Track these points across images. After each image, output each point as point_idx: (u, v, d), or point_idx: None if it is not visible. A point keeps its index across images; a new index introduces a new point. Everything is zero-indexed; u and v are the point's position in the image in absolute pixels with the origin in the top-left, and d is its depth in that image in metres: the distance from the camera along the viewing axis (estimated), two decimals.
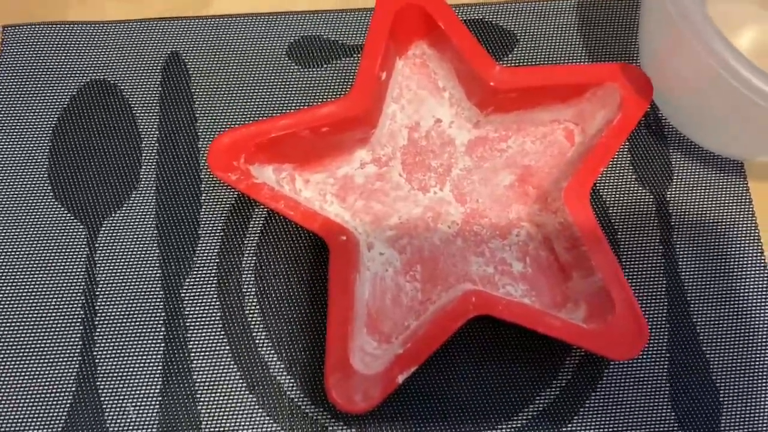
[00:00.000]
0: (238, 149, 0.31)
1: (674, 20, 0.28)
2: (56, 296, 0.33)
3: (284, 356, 0.32)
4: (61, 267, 0.33)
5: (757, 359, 0.33)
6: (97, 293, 0.33)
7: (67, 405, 0.31)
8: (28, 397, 0.31)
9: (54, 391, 0.31)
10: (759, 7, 0.37)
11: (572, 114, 0.35)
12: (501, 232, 0.34)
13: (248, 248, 0.34)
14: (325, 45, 0.37)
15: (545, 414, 0.32)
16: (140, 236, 0.34)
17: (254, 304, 0.33)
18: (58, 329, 0.32)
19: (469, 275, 0.33)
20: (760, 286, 0.34)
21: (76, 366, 0.32)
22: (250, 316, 0.33)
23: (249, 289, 0.33)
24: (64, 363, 0.32)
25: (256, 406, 0.32)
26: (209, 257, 0.34)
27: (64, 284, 0.33)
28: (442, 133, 0.36)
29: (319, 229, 0.31)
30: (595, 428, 0.32)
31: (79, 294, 0.33)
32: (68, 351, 0.32)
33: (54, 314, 0.33)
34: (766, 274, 0.34)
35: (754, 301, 0.34)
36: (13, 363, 0.32)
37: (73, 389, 0.32)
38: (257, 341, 0.32)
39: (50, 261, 0.33)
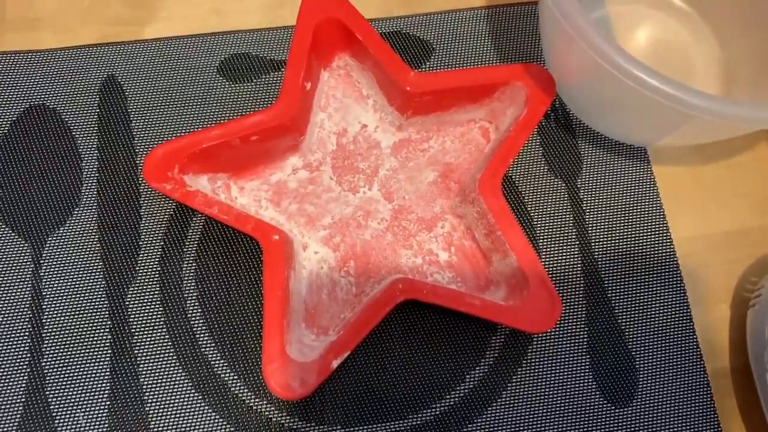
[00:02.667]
0: (171, 160, 0.33)
1: (562, 25, 0.31)
2: (3, 312, 0.34)
3: (227, 355, 0.34)
4: (7, 283, 0.34)
5: (666, 328, 0.35)
6: (44, 307, 0.34)
7: (18, 416, 0.32)
8: None
9: (4, 403, 0.33)
10: (650, 8, 0.41)
11: (485, 113, 0.38)
12: (427, 226, 0.36)
13: (188, 255, 0.35)
14: (254, 61, 0.39)
15: (476, 391, 0.34)
16: (84, 250, 0.35)
17: (196, 307, 0.35)
18: (5, 343, 0.33)
19: (399, 267, 0.36)
20: (667, 260, 0.37)
21: (25, 378, 0.33)
22: (193, 319, 0.34)
23: (190, 294, 0.35)
24: (12, 376, 0.33)
25: (203, 404, 0.33)
26: (151, 266, 0.35)
27: (11, 300, 0.34)
28: (369, 137, 0.38)
29: (252, 231, 0.33)
30: (523, 401, 0.34)
31: (26, 308, 0.34)
32: (17, 364, 0.33)
33: (1, 329, 0.34)
34: (671, 250, 0.37)
35: (662, 274, 0.36)
36: None
37: (23, 401, 0.33)
38: (200, 342, 0.34)
39: None
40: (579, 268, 0.36)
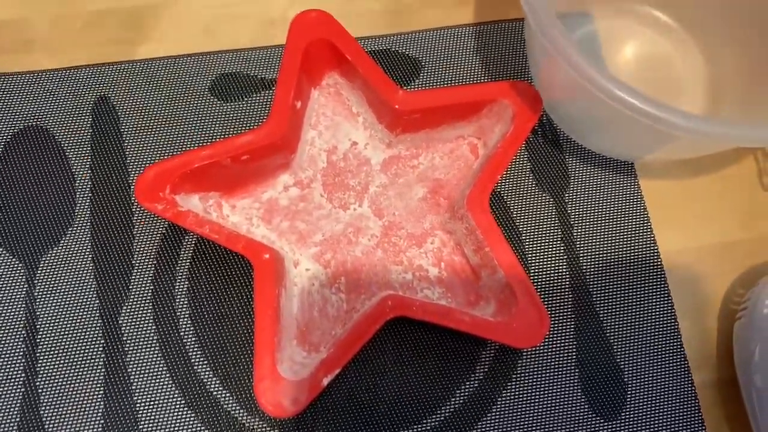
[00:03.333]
0: (163, 181, 0.33)
1: (545, 45, 0.31)
2: None
3: (219, 373, 0.34)
4: (1, 304, 0.35)
5: (654, 341, 0.36)
6: (38, 326, 0.35)
7: None
8: None
9: None
10: (637, 24, 0.42)
11: (474, 129, 0.38)
12: (417, 241, 0.37)
13: (180, 273, 0.36)
14: (244, 80, 0.40)
15: (466, 406, 0.34)
16: (77, 269, 0.36)
17: (189, 325, 0.35)
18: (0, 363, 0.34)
19: (389, 283, 0.36)
20: (654, 273, 0.37)
21: (20, 397, 0.33)
22: (186, 337, 0.35)
23: (183, 312, 0.35)
24: (7, 395, 0.33)
25: (196, 422, 0.33)
26: (144, 285, 0.36)
27: (5, 320, 0.35)
28: (359, 155, 0.39)
29: (243, 250, 0.33)
30: (514, 415, 0.34)
31: (20, 328, 0.34)
32: (11, 383, 0.34)
33: None
34: (658, 264, 0.37)
35: (649, 288, 0.37)
36: None
37: (18, 420, 0.33)
38: (193, 360, 0.34)
39: None
40: (567, 283, 0.37)
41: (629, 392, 0.35)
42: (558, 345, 0.36)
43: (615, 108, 0.30)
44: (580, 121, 0.38)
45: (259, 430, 0.33)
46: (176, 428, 0.33)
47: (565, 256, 0.37)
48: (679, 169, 0.40)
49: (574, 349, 0.35)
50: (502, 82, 0.36)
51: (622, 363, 0.35)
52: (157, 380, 0.34)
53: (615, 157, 0.39)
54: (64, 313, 0.35)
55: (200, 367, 0.34)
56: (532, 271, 0.37)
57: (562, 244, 0.37)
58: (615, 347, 0.36)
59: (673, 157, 0.38)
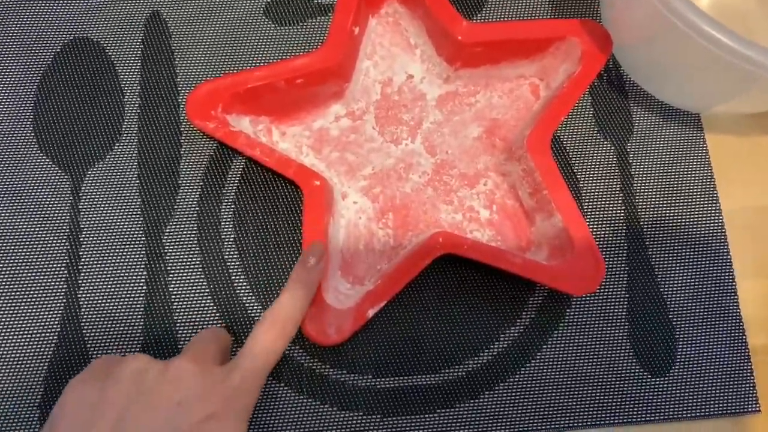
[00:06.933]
0: (215, 98, 0.33)
1: None
2: (42, 242, 0.34)
3: (261, 298, 0.34)
4: (47, 214, 0.34)
5: (709, 300, 0.35)
6: (82, 239, 0.34)
7: (52, 346, 0.33)
8: (14, 338, 0.33)
9: (40, 332, 0.33)
10: None
11: (537, 69, 0.36)
12: (469, 182, 0.36)
13: (227, 197, 0.35)
14: (301, 4, 0.38)
15: (510, 350, 0.33)
16: (123, 185, 0.35)
17: (233, 248, 0.34)
18: (43, 274, 0.34)
19: (438, 222, 0.35)
20: (714, 231, 0.36)
21: (61, 308, 0.33)
22: (229, 260, 0.34)
23: (228, 235, 0.35)
24: (49, 306, 0.33)
25: (235, 346, 0.33)
26: (189, 205, 0.35)
27: (50, 230, 0.34)
28: (414, 88, 0.37)
29: (293, 175, 0.33)
30: (558, 363, 0.33)
31: (63, 240, 0.34)
32: (53, 294, 0.33)
33: (40, 259, 0.34)
34: (720, 221, 0.36)
35: (709, 244, 0.35)
36: None
37: (58, 330, 0.33)
38: (236, 284, 0.34)
39: (36, 209, 0.34)
40: (623, 233, 0.35)
41: (680, 350, 0.34)
42: (609, 296, 0.34)
43: (700, 48, 0.28)
44: (652, 64, 0.36)
45: (298, 358, 0.33)
46: None
47: (623, 206, 0.36)
48: (747, 125, 0.38)
49: (626, 302, 0.34)
50: (572, 19, 0.34)
51: (675, 319, 0.34)
52: (199, 302, 0.34)
53: (683, 107, 0.37)
54: (107, 227, 0.34)
55: (242, 291, 0.34)
56: (588, 219, 0.35)
57: (621, 194, 0.36)
58: (668, 303, 0.34)
59: (746, 109, 0.36)
